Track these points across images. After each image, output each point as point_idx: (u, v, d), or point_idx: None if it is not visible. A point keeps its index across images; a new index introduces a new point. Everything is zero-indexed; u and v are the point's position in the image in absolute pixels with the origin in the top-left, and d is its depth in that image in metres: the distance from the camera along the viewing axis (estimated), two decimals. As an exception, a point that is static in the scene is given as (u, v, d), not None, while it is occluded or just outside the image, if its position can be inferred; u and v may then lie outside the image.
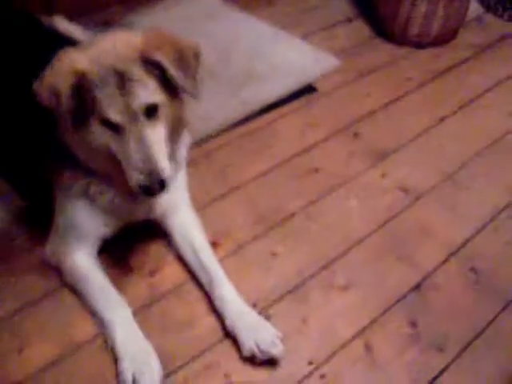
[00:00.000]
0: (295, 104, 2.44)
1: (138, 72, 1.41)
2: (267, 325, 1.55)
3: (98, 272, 1.67)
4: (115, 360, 1.49)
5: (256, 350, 1.49)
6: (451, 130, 2.34)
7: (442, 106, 2.46)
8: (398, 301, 1.69)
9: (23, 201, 1.93)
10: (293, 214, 1.91)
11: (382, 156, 2.19)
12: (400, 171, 2.12)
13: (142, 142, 1.41)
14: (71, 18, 2.33)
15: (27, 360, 1.53)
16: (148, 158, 1.40)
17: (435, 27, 2.76)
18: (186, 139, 1.72)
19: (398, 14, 2.79)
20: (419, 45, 2.83)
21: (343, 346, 1.57)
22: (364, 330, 1.61)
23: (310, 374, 1.50)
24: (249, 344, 1.50)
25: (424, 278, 1.75)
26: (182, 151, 1.71)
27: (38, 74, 1.48)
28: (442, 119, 2.39)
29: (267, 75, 2.55)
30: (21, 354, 1.55)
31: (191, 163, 1.88)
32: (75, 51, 1.44)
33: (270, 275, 1.74)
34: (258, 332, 1.52)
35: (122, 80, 1.40)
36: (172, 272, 1.75)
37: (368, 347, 1.57)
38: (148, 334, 1.54)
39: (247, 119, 2.33)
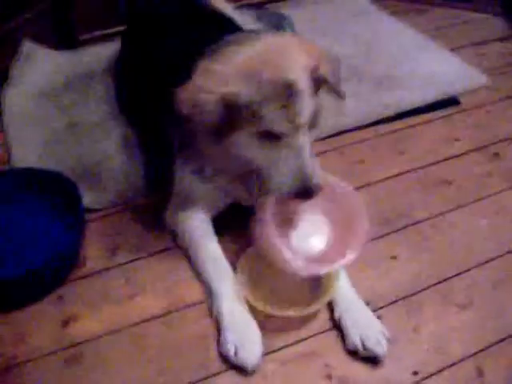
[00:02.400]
0: (436, 114, 2.35)
1: (304, 84, 1.40)
2: (377, 322, 1.50)
3: (212, 241, 1.68)
4: (218, 329, 1.50)
5: (360, 345, 1.44)
6: None
7: None
8: (518, 331, 1.57)
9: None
10: (418, 222, 1.84)
11: (520, 181, 2.06)
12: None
13: (301, 150, 1.42)
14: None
15: (137, 308, 1.59)
16: (306, 165, 1.41)
17: None
18: None
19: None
20: None
21: (453, 364, 1.47)
22: (477, 353, 1.50)
23: (413, 384, 1.44)
24: (354, 337, 1.45)
25: (549, 313, 1.62)
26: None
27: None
28: None
29: (410, 82, 2.49)
30: (132, 302, 1.61)
31: (323, 155, 1.87)
32: (225, 62, 1.40)
33: (386, 278, 1.68)
34: (365, 327, 1.47)
35: (291, 92, 1.37)
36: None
37: (479, 372, 1.46)
38: (253, 310, 1.53)
39: (384, 121, 2.28)
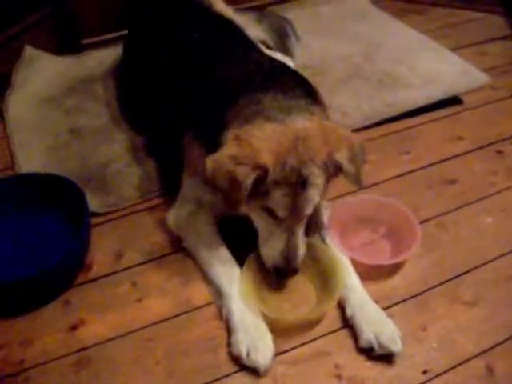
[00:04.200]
0: (439, 113, 2.35)
1: (317, 175, 1.44)
2: (389, 320, 1.50)
3: (219, 243, 1.68)
4: (228, 330, 1.50)
5: (375, 343, 1.44)
6: None
7: None
8: (527, 328, 1.57)
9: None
10: (424, 221, 1.83)
11: (524, 178, 2.06)
12: (543, 196, 1.98)
13: (292, 236, 1.51)
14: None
15: (144, 311, 1.58)
16: (293, 249, 1.52)
17: None
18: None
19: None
20: None
21: (462, 361, 1.47)
22: (487, 350, 1.50)
23: (424, 383, 1.43)
24: (368, 335, 1.45)
25: (558, 310, 1.62)
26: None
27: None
28: None
29: (412, 81, 2.49)
30: (139, 305, 1.60)
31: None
32: (256, 135, 1.42)
33: (394, 277, 1.68)
34: (378, 325, 1.47)
35: (303, 183, 1.43)
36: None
37: (490, 369, 1.46)
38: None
39: (387, 121, 2.28)
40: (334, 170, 1.47)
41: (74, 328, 1.54)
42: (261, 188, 1.42)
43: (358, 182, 1.52)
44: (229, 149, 1.42)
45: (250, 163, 1.37)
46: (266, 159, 1.38)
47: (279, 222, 1.49)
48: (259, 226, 1.56)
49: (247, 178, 1.37)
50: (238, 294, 1.54)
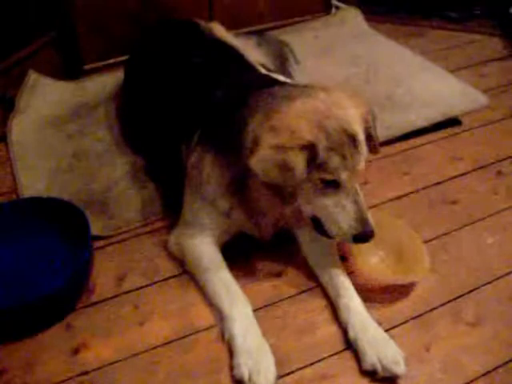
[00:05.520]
0: (438, 134, 2.37)
1: (362, 134, 1.49)
2: (392, 342, 1.49)
3: (222, 267, 1.68)
4: (230, 352, 1.50)
5: (378, 366, 1.43)
6: None
7: None
8: (531, 348, 1.56)
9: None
10: (425, 242, 1.83)
11: (525, 200, 2.06)
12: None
13: (358, 197, 1.51)
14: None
15: (147, 334, 1.58)
16: (362, 211, 1.50)
17: None
18: None
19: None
20: None
21: (466, 383, 1.47)
22: (490, 371, 1.50)
23: (428, 406, 1.43)
24: (371, 358, 1.45)
25: (562, 330, 1.61)
26: None
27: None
28: None
29: (410, 103, 2.51)
30: (141, 328, 1.60)
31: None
32: (287, 118, 1.42)
33: (397, 299, 1.67)
34: (381, 347, 1.47)
35: (354, 142, 1.45)
36: (297, 277, 1.74)
37: (494, 391, 1.46)
38: (265, 333, 1.53)
39: (389, 143, 2.29)
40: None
41: (76, 352, 1.54)
42: (313, 165, 1.42)
43: (376, 147, 1.60)
44: (268, 141, 1.41)
45: (295, 145, 1.38)
46: (309, 134, 1.39)
47: (341, 189, 1.47)
48: (320, 205, 1.50)
49: (299, 160, 1.38)
50: (242, 316, 1.54)
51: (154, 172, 2.11)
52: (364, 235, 1.51)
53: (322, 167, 1.43)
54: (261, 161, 1.41)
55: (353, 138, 1.45)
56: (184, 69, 1.92)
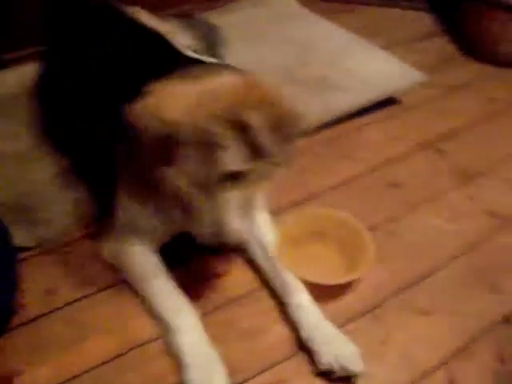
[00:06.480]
0: (377, 115, 2.32)
1: (227, 135, 1.27)
2: (347, 339, 1.43)
3: (161, 273, 1.56)
4: (178, 365, 1.39)
5: (335, 365, 1.36)
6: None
7: (534, 132, 2.31)
8: (485, 333, 1.53)
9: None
10: (372, 229, 1.78)
11: (468, 177, 2.04)
12: (489, 196, 1.97)
13: (214, 208, 1.33)
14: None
15: (86, 352, 1.45)
16: (218, 223, 1.33)
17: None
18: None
19: (487, 33, 2.67)
20: (508, 64, 2.68)
21: (424, 376, 1.43)
22: (447, 360, 1.46)
23: (388, 402, 1.38)
24: (327, 357, 1.38)
25: (513, 312, 1.60)
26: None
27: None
28: (534, 145, 2.24)
29: (347, 83, 2.45)
30: (79, 346, 1.46)
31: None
32: (166, 93, 1.29)
33: (346, 293, 1.61)
34: (337, 346, 1.40)
35: (208, 142, 1.26)
36: (241, 277, 1.65)
37: (451, 380, 1.42)
38: (213, 341, 1.42)
39: (326, 126, 2.22)
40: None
41: (8, 381, 1.38)
42: (178, 150, 1.27)
43: (280, 163, 1.36)
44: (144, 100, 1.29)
45: (157, 118, 1.25)
46: (175, 115, 1.24)
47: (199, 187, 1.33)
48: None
49: (155, 130, 1.24)
50: (187, 326, 1.43)
51: (83, 171, 1.96)
52: (215, 247, 1.38)
53: (182, 159, 1.29)
54: (136, 109, 1.29)
55: (207, 138, 1.26)
56: (102, 57, 1.76)
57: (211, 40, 2.53)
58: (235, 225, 1.36)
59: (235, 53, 2.58)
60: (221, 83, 1.32)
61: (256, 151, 1.30)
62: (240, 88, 1.30)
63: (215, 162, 1.28)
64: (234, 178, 1.32)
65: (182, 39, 2.38)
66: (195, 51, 2.34)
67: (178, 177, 1.32)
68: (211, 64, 1.50)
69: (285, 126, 1.32)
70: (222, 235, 1.34)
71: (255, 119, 1.26)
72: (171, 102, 1.27)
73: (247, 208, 1.51)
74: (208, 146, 1.26)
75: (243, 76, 1.36)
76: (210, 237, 1.35)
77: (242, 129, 1.26)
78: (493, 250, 1.78)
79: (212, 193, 1.33)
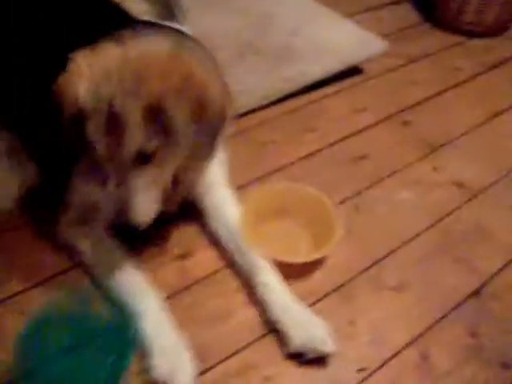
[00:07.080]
0: (340, 85, 2.26)
1: (136, 113, 1.16)
2: (317, 319, 1.36)
3: (121, 255, 1.46)
4: (141, 354, 1.30)
5: (306, 347, 1.31)
6: (507, 126, 2.16)
7: (497, 101, 2.28)
8: (456, 307, 1.50)
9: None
10: (340, 203, 1.72)
11: (433, 148, 2.01)
12: (453, 165, 1.94)
13: (123, 187, 1.25)
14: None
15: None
16: (125, 203, 1.26)
17: (490, 16, 2.59)
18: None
19: (451, 1, 2.63)
20: (471, 34, 2.65)
21: (396, 353, 1.39)
22: (418, 337, 1.43)
23: (361, 382, 1.32)
24: (297, 339, 1.32)
25: (483, 285, 1.57)
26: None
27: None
28: (497, 115, 2.21)
29: (309, 53, 2.35)
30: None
31: (228, 139, 1.69)
32: (79, 62, 1.19)
33: (314, 270, 1.55)
34: (307, 326, 1.34)
35: (117, 118, 1.16)
36: (205, 257, 1.56)
37: (424, 356, 1.39)
38: (178, 325, 1.34)
39: (288, 97, 2.14)
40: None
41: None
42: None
43: (203, 157, 1.33)
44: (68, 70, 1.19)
45: (64, 94, 1.18)
46: (79, 88, 1.16)
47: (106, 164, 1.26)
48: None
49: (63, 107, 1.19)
50: (150, 310, 1.34)
51: (29, 148, 1.81)
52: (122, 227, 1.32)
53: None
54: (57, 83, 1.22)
55: (116, 115, 1.16)
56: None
57: (169, 5, 2.40)
58: (144, 206, 1.29)
59: (192, 21, 2.46)
60: (141, 52, 1.19)
61: (168, 134, 1.21)
62: (161, 62, 1.18)
63: (122, 141, 1.19)
64: (144, 158, 1.23)
65: (137, 4, 2.26)
66: (151, 16, 2.22)
67: (94, 155, 1.24)
68: (147, 26, 1.34)
69: (205, 115, 1.23)
70: (127, 214, 1.27)
71: (170, 103, 1.17)
72: (78, 74, 1.17)
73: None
74: (113, 124, 1.17)
75: (170, 48, 1.22)
76: (116, 214, 1.28)
77: (153, 109, 1.16)
78: (460, 222, 1.75)
79: (123, 171, 1.25)
